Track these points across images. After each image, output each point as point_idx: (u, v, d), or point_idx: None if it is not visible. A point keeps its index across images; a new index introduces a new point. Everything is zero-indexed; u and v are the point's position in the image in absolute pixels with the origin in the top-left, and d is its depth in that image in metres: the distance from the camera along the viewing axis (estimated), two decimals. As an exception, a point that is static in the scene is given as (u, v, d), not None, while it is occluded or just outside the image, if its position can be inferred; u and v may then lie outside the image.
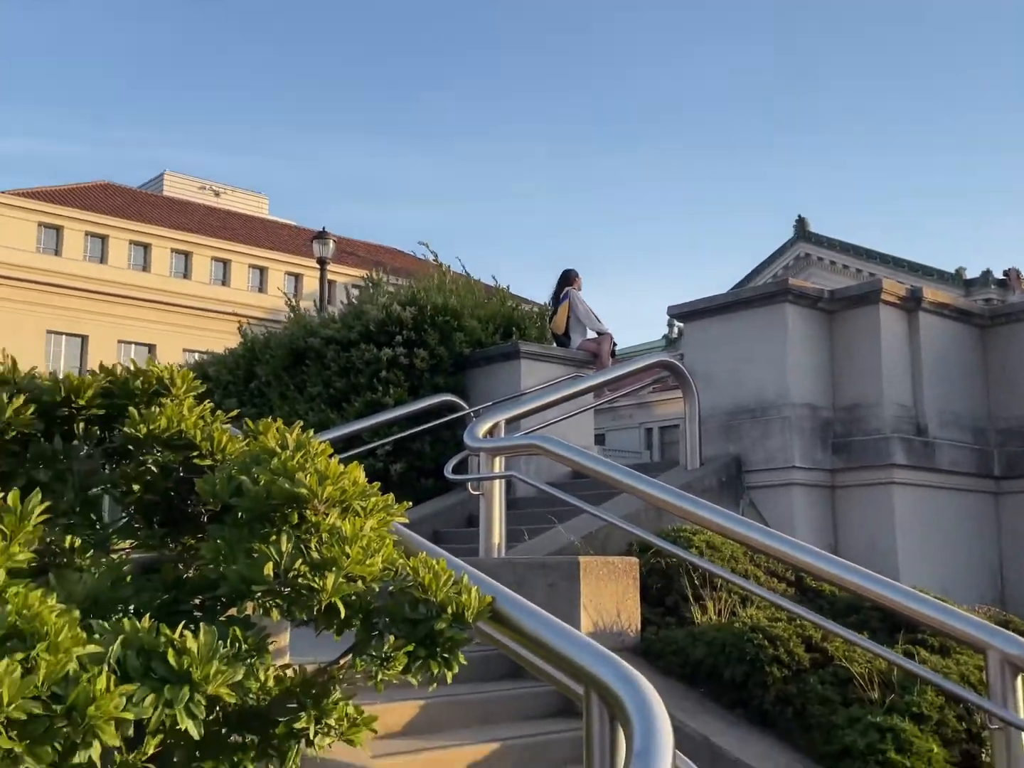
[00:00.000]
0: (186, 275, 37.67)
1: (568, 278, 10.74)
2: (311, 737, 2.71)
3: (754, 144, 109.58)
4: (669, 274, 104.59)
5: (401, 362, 8.92)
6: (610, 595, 4.89)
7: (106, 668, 2.01)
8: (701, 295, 8.14)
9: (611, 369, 8.63)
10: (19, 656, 1.88)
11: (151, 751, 2.75)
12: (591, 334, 10.36)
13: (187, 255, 38.02)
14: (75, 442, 3.04)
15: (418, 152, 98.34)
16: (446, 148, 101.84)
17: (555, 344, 10.21)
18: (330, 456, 2.96)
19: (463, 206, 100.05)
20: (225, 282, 38.50)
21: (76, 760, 1.95)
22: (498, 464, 6.16)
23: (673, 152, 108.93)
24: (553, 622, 2.85)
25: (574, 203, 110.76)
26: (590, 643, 2.67)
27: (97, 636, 2.13)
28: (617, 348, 10.44)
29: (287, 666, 2.87)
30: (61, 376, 3.04)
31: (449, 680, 2.73)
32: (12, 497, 2.20)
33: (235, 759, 2.70)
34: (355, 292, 11.48)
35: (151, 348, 34.02)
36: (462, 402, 8.74)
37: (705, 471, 7.41)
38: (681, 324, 10.13)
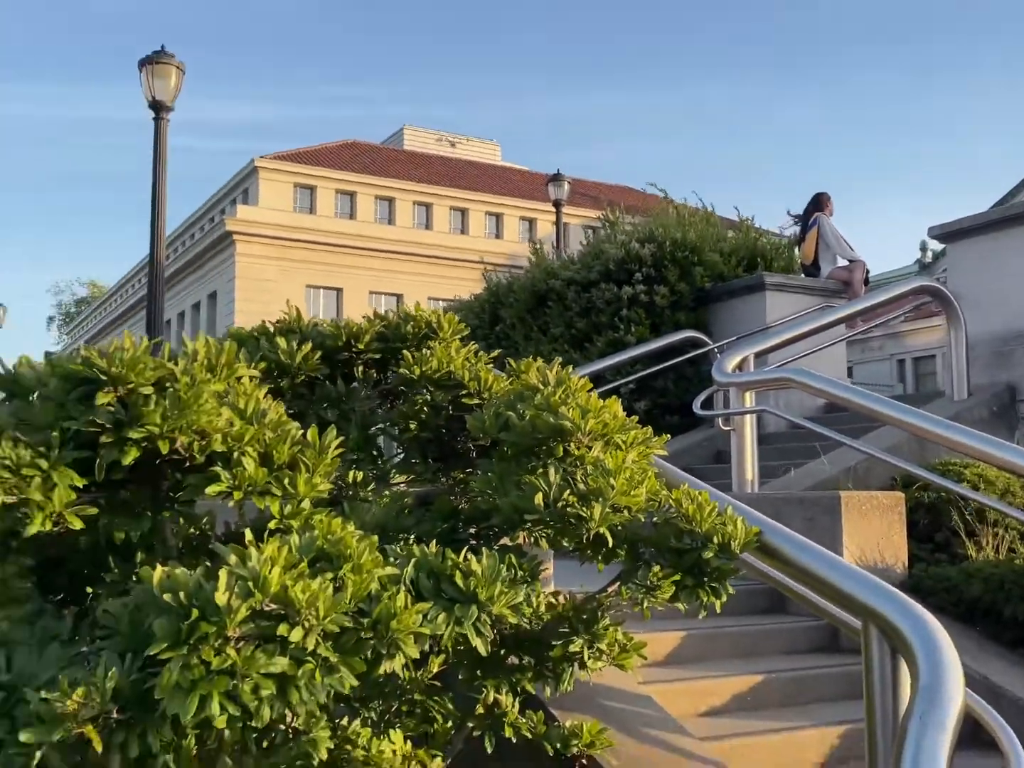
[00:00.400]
0: (427, 226, 39.08)
1: (819, 202, 9.98)
2: (584, 660, 2.82)
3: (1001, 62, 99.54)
4: (919, 199, 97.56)
5: (641, 300, 8.87)
6: (874, 530, 4.71)
7: (403, 588, 2.18)
8: (952, 218, 7.52)
9: (866, 297, 8.15)
10: (328, 576, 2.07)
11: (435, 669, 2.97)
12: (841, 262, 9.77)
13: (428, 206, 39.41)
14: (354, 384, 3.27)
15: (644, 90, 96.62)
16: (673, 84, 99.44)
17: (803, 275, 9.76)
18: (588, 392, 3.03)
19: (695, 140, 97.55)
20: (464, 230, 39.62)
21: (380, 671, 2.13)
22: (748, 399, 6.06)
23: (922, 71, 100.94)
24: (827, 555, 2.79)
25: (809, 133, 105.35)
26: (869, 577, 2.59)
27: (392, 559, 2.30)
28: (870, 276, 9.85)
29: (556, 593, 2.99)
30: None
31: (718, 609, 2.75)
32: (311, 433, 2.40)
33: (514, 679, 2.86)
34: (589, 232, 11.50)
35: (399, 298, 35.54)
36: (705, 338, 8.60)
37: (974, 401, 6.93)
38: (940, 246, 9.41)
